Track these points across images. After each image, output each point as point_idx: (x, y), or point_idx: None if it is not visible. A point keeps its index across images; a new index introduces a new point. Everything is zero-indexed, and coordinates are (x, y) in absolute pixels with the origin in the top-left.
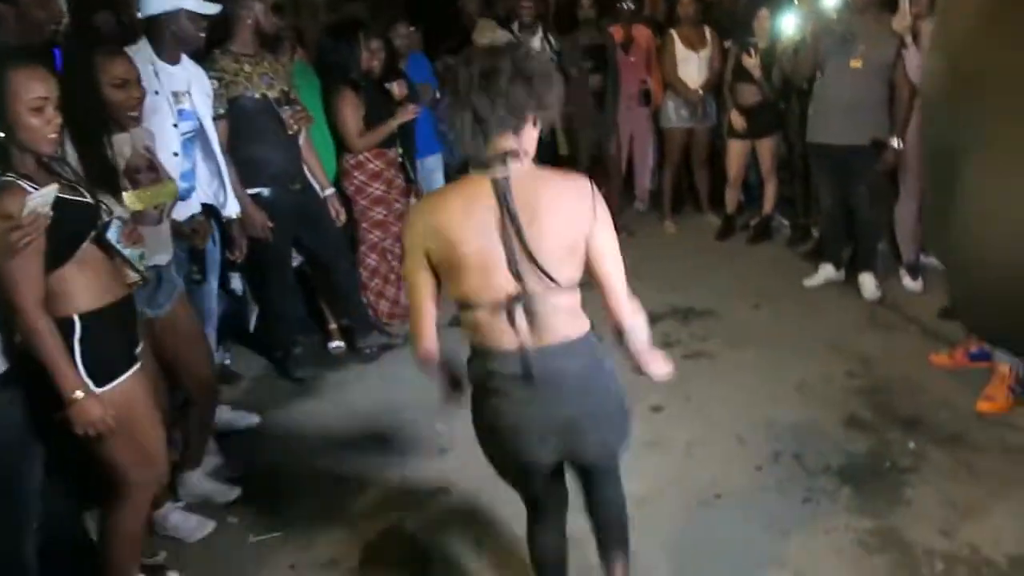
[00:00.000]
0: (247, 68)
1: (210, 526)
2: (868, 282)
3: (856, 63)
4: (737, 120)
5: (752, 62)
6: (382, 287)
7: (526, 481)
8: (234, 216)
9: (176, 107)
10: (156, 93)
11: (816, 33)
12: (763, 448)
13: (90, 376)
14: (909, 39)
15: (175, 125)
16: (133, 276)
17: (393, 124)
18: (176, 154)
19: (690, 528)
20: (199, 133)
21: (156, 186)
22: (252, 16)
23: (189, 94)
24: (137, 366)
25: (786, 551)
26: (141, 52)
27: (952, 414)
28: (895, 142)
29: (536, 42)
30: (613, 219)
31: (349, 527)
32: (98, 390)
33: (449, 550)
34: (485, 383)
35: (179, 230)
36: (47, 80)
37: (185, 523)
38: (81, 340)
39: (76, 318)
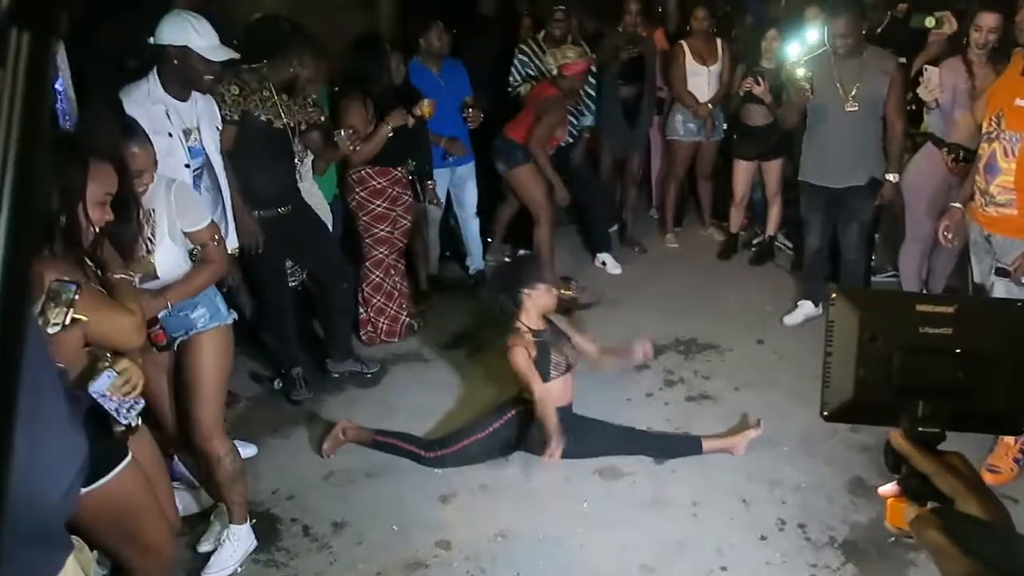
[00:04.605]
0: (265, 92)
1: None
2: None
3: (851, 108)
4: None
5: (761, 89)
6: (384, 304)
7: None
8: (233, 252)
9: (187, 145)
10: (170, 135)
11: (810, 77)
12: (768, 513)
13: None
14: (933, 103)
15: (187, 165)
16: (115, 426)
17: (385, 131)
18: None
19: None
20: (206, 166)
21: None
22: (297, 70)
23: (198, 130)
24: (128, 459)
25: None
26: (152, 92)
27: None
28: (892, 177)
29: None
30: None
31: None
32: (83, 490)
33: None
34: None
35: None
36: (114, 178)
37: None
38: None
39: None
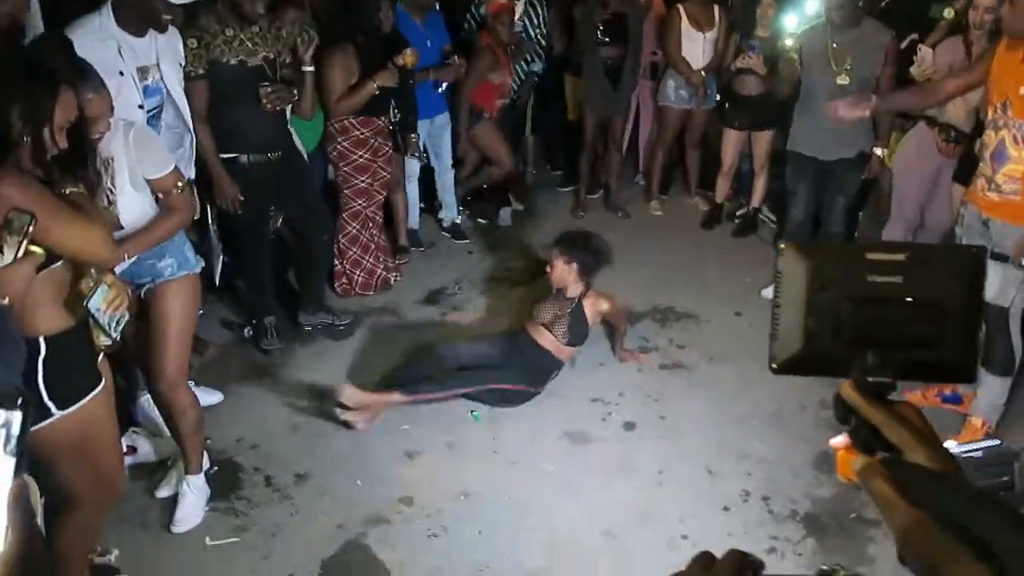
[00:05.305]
0: (228, 32)
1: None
2: None
3: (843, 80)
4: (748, 60)
5: (754, 62)
6: (360, 256)
7: None
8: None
9: (141, 84)
10: (120, 73)
11: (798, 50)
12: (733, 485)
13: (52, 399)
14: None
15: (140, 106)
16: (104, 340)
17: (371, 87)
18: None
19: (656, 572)
20: (166, 101)
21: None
22: None
23: (158, 66)
24: (100, 386)
25: None
26: (105, 25)
27: None
28: (879, 151)
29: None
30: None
31: (308, 540)
32: (60, 413)
33: (408, 571)
34: None
35: None
36: (75, 105)
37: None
38: (44, 363)
39: (42, 340)
